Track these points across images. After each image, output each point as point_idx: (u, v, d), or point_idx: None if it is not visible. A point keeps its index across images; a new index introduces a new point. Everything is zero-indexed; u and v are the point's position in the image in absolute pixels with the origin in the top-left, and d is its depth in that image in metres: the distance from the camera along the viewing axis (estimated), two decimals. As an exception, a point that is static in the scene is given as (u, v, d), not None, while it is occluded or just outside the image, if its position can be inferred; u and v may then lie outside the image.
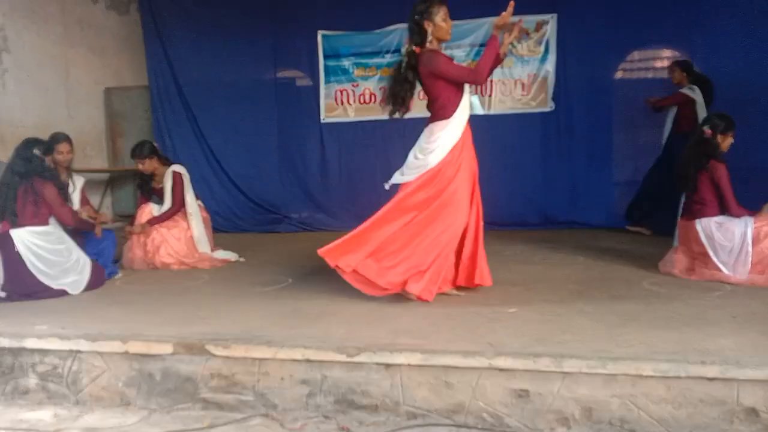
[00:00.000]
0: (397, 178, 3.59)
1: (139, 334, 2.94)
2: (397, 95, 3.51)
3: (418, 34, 3.45)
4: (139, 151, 4.93)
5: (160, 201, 5.01)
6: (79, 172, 5.01)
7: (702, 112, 5.44)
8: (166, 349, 2.83)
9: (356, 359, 2.63)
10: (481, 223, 3.63)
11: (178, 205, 4.90)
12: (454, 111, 3.46)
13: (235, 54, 6.98)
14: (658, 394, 2.41)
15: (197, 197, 5.06)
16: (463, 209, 3.49)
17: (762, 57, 5.85)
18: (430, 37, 3.43)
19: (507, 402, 2.52)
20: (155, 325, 3.12)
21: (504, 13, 3.28)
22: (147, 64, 7.21)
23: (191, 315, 3.33)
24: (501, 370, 2.53)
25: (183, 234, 4.88)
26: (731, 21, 5.92)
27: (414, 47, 3.47)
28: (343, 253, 3.41)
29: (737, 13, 5.89)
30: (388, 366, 2.62)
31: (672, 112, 5.77)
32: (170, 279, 4.45)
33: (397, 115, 3.57)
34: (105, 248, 4.47)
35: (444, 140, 3.45)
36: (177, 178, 4.93)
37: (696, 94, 5.57)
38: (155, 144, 5.14)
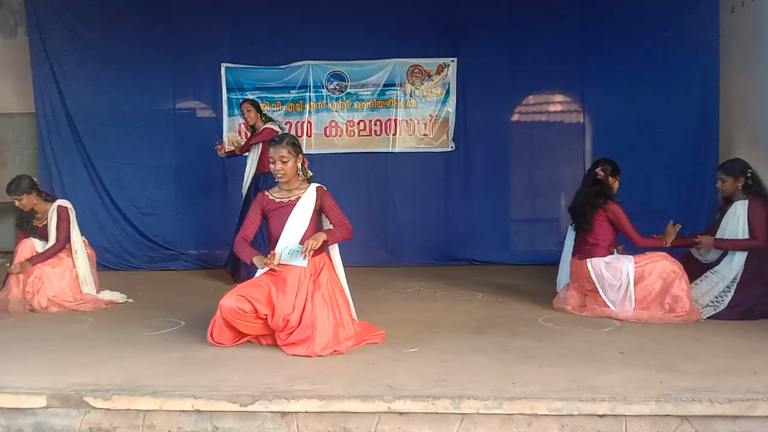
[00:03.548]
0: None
1: (8, 386, 2.67)
2: None
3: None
4: (16, 186, 4.54)
5: (41, 239, 4.63)
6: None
7: None
8: (39, 402, 2.59)
9: (250, 408, 2.50)
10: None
11: (63, 242, 4.56)
12: None
13: (130, 82, 6.67)
14: (552, 432, 2.45)
15: (81, 233, 4.73)
16: None
17: (645, 105, 6.29)
18: None
19: (406, 446, 2.48)
20: (28, 376, 2.84)
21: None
22: (34, 89, 6.73)
23: (70, 363, 3.07)
24: (400, 413, 2.49)
25: (68, 273, 4.53)
26: (620, 71, 6.33)
27: None
28: None
29: (625, 64, 6.31)
30: (284, 414, 2.51)
31: (256, 151, 5.56)
32: (49, 322, 4.09)
33: None
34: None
35: None
36: (62, 212, 4.60)
37: None
38: (34, 179, 4.76)
